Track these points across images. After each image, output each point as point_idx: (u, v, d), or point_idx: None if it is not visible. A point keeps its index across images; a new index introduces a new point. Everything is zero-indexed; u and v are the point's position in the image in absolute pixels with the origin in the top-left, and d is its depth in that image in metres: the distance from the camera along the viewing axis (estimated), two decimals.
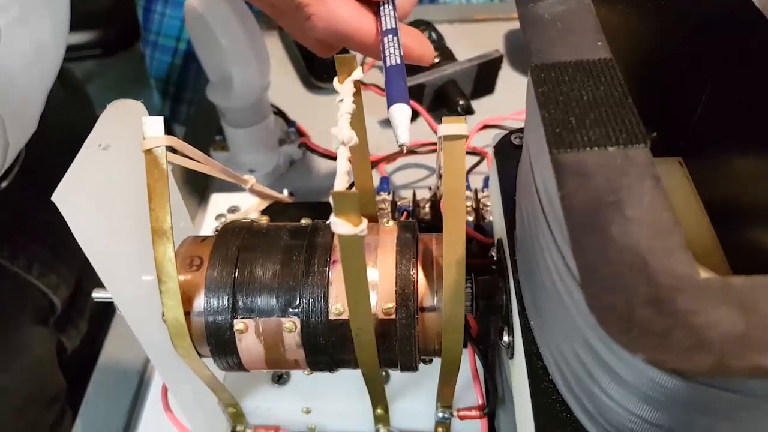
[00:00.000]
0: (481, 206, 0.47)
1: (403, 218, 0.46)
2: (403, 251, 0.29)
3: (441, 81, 0.58)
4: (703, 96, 0.31)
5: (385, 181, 0.53)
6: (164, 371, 0.34)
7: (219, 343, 0.29)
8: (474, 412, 0.35)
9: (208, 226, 0.49)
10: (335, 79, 0.29)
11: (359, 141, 0.26)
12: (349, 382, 0.37)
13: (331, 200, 0.21)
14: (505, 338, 0.30)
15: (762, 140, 0.27)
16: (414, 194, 0.49)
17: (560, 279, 0.21)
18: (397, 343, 0.29)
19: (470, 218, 0.47)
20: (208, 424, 0.37)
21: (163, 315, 0.28)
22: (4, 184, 0.46)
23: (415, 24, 0.65)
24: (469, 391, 0.36)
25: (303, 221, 0.32)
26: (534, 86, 0.22)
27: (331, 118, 0.26)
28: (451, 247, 0.26)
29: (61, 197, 0.25)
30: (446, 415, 0.35)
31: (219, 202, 0.50)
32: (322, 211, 0.48)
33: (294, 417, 0.38)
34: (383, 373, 0.38)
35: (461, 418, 0.35)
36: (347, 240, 0.23)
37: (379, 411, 0.35)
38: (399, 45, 0.31)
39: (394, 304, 0.28)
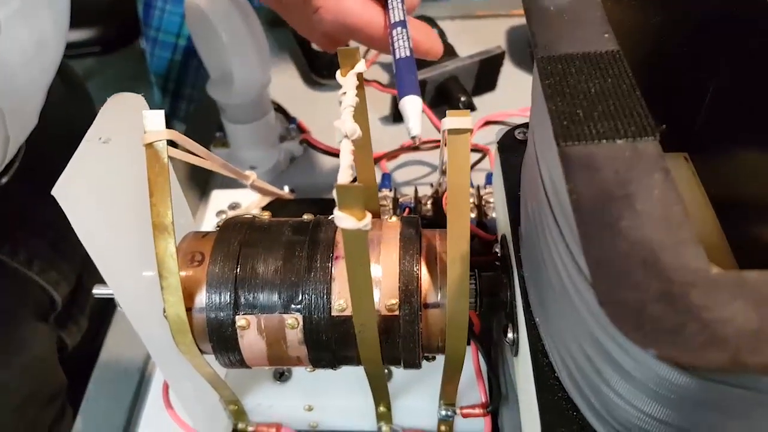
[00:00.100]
0: (483, 203, 0.47)
1: (404, 215, 0.46)
2: (406, 247, 0.29)
3: (442, 77, 0.58)
4: (709, 90, 0.31)
5: (386, 177, 0.52)
6: (165, 368, 0.33)
7: (221, 339, 0.29)
8: (477, 410, 0.35)
9: (209, 223, 0.48)
10: (338, 72, 0.29)
11: (362, 134, 0.26)
12: (351, 379, 0.37)
13: (334, 194, 0.21)
14: (510, 335, 0.29)
15: None
16: (416, 191, 0.49)
17: (568, 275, 0.20)
18: (401, 340, 0.29)
19: (472, 215, 0.47)
20: (210, 421, 0.37)
21: (165, 311, 0.28)
22: (4, 180, 0.45)
23: None
24: (472, 388, 0.36)
25: (305, 217, 0.32)
26: (540, 79, 0.21)
27: (331, 115, 0.26)
28: (455, 242, 0.26)
29: (61, 191, 0.25)
30: (449, 413, 0.35)
31: (219, 199, 0.50)
32: (323, 207, 0.48)
33: (296, 414, 0.38)
34: (386, 371, 0.38)
35: (464, 415, 0.35)
36: (351, 234, 0.22)
37: (382, 408, 0.35)
38: (408, 37, 0.30)
39: (398, 300, 0.28)
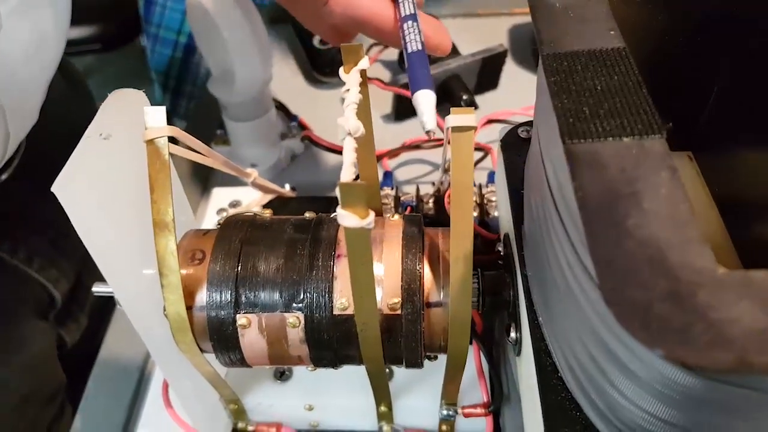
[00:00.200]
0: (485, 201, 0.47)
1: (406, 213, 0.46)
2: (409, 245, 0.29)
3: (444, 75, 0.58)
4: (714, 89, 0.30)
5: (388, 176, 0.52)
6: (165, 367, 0.33)
7: (221, 338, 0.29)
8: (479, 410, 0.35)
9: (210, 221, 0.48)
10: (341, 69, 0.29)
11: (365, 132, 0.26)
12: (352, 378, 0.37)
13: (337, 191, 0.21)
14: (512, 334, 0.29)
15: None
16: (417, 189, 0.48)
17: (572, 273, 0.20)
18: (403, 340, 0.28)
19: (474, 214, 0.47)
20: (210, 420, 0.36)
21: (165, 309, 0.28)
22: (4, 177, 0.45)
23: None
24: (473, 388, 0.35)
25: (307, 215, 0.32)
26: (546, 76, 0.21)
27: (333, 112, 0.26)
28: (458, 240, 0.25)
29: (61, 188, 0.25)
30: (450, 413, 0.35)
31: (220, 197, 0.50)
32: (324, 205, 0.48)
33: (296, 414, 0.38)
34: (387, 370, 0.37)
35: (466, 415, 0.35)
36: (354, 233, 0.22)
37: (383, 408, 0.35)
38: (419, 31, 0.30)
39: (400, 299, 0.28)
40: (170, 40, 0.79)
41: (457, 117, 0.24)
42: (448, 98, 0.58)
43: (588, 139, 0.19)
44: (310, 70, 0.65)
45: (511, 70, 0.64)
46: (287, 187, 0.47)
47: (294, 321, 0.28)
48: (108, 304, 0.40)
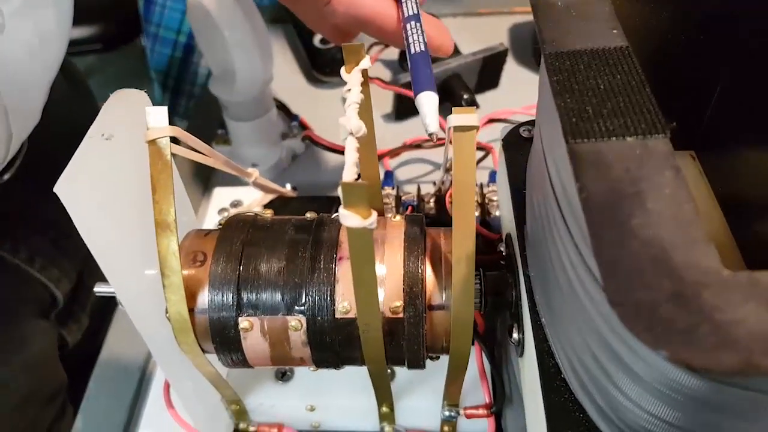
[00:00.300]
0: (486, 201, 0.47)
1: (407, 213, 0.46)
2: (411, 247, 0.29)
3: (445, 75, 0.58)
4: (716, 89, 0.30)
5: (389, 175, 0.52)
6: (167, 367, 0.33)
7: (223, 340, 0.29)
8: (481, 411, 0.35)
9: (211, 221, 0.48)
10: (342, 69, 0.29)
11: (367, 131, 0.25)
12: (354, 379, 0.37)
13: (339, 191, 0.21)
14: (515, 335, 0.29)
15: None
16: (418, 189, 0.48)
17: (576, 274, 0.20)
18: (405, 342, 0.28)
19: (476, 213, 0.46)
20: (211, 420, 0.36)
21: (167, 310, 0.28)
22: (6, 177, 0.45)
23: None
24: (475, 389, 0.35)
25: (308, 215, 0.31)
26: (549, 75, 0.21)
27: (334, 112, 0.26)
28: (461, 241, 0.25)
29: (63, 188, 0.25)
30: (452, 414, 0.35)
31: (221, 197, 0.49)
32: (325, 205, 0.48)
33: (298, 414, 0.38)
34: (389, 370, 0.37)
35: (468, 416, 0.35)
36: (356, 233, 0.22)
37: (385, 409, 0.35)
38: (422, 31, 0.30)
39: (402, 302, 0.28)
40: (170, 40, 0.79)
41: (460, 117, 0.24)
42: (448, 97, 0.58)
43: (591, 139, 0.19)
44: (311, 69, 0.65)
45: (511, 69, 0.64)
46: (288, 186, 0.47)
47: (296, 324, 0.28)
48: (109, 304, 0.40)
